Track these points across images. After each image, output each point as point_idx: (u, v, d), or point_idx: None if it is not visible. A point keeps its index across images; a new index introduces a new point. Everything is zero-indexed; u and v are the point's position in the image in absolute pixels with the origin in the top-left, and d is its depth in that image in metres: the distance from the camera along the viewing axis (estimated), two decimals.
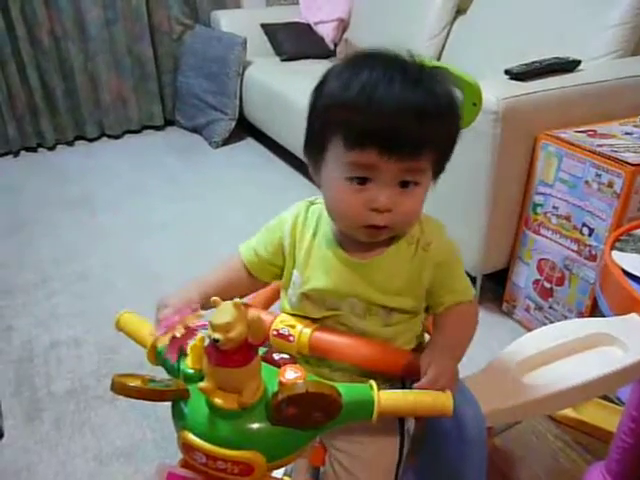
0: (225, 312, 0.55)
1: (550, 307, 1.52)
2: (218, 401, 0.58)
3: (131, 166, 2.82)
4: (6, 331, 1.67)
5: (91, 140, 3.11)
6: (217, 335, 0.54)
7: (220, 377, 0.58)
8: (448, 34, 2.51)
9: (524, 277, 1.58)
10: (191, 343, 0.63)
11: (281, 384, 0.59)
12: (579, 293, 1.43)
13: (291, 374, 0.61)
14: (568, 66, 1.57)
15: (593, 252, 1.37)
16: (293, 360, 0.66)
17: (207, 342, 0.58)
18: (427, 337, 0.87)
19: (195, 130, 3.13)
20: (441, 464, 0.83)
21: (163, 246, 2.09)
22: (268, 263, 0.80)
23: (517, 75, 1.48)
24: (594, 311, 1.40)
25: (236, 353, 0.56)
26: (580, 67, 1.60)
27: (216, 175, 2.68)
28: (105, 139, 3.16)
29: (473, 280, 1.69)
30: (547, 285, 1.52)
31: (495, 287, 1.72)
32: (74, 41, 2.89)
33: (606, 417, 1.26)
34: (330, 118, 0.67)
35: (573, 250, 1.42)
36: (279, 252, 0.79)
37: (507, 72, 1.50)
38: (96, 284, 1.88)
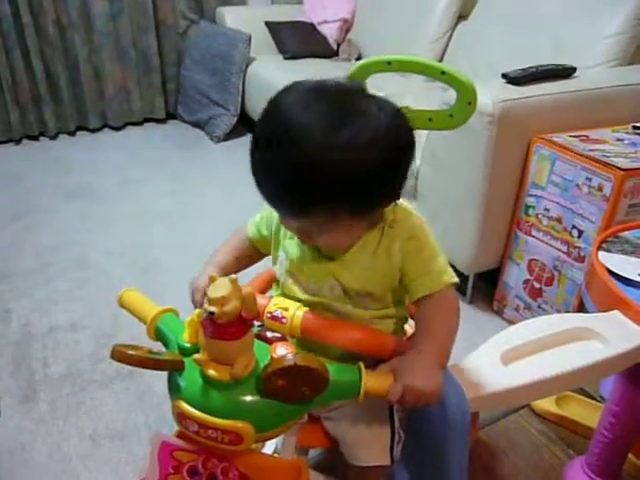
0: (221, 287, 0.58)
1: (539, 307, 1.55)
2: (211, 372, 0.61)
3: (132, 158, 2.85)
4: (5, 314, 1.69)
5: (93, 131, 3.14)
6: (213, 308, 0.58)
7: (214, 349, 0.61)
8: (449, 39, 2.55)
9: (515, 277, 1.62)
10: (188, 318, 0.66)
11: (271, 359, 0.62)
12: (567, 293, 1.46)
13: (282, 350, 0.64)
14: (564, 72, 1.61)
15: (582, 254, 1.40)
16: (285, 339, 0.70)
17: (203, 315, 0.61)
18: (411, 322, 0.90)
19: (197, 125, 3.16)
20: (425, 446, 0.86)
21: (161, 236, 2.12)
22: (264, 239, 0.87)
23: (513, 79, 1.51)
24: (581, 311, 1.43)
25: (230, 326, 0.59)
26: (576, 74, 1.63)
27: (216, 170, 2.71)
28: (107, 130, 3.19)
29: (465, 279, 1.72)
30: (537, 285, 1.55)
31: (486, 286, 1.75)
32: (79, 31, 2.91)
33: (588, 414, 1.30)
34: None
35: (563, 251, 1.45)
36: (271, 234, 0.86)
37: (504, 76, 1.53)
38: (94, 271, 1.91)
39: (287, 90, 0.69)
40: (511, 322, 1.65)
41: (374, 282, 0.78)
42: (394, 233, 0.76)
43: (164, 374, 1.32)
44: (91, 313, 1.69)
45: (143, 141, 3.08)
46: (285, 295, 0.82)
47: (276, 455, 0.82)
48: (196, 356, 0.61)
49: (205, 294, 0.59)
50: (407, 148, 0.70)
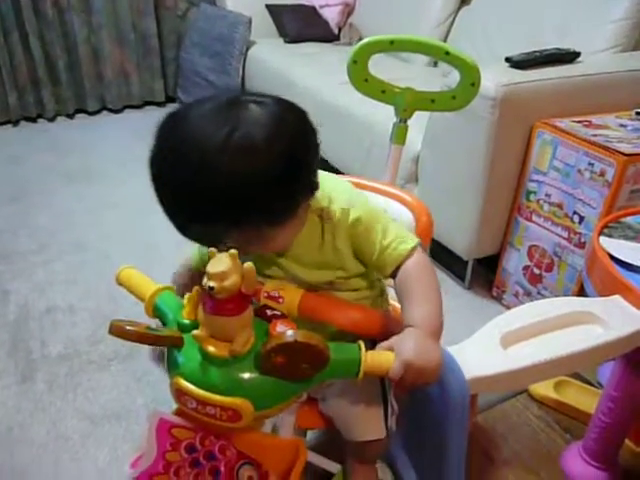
0: (221, 262, 0.57)
1: (538, 293, 1.55)
2: (210, 349, 0.61)
3: (131, 141, 2.82)
4: (2, 295, 1.69)
5: (91, 113, 3.12)
6: (212, 283, 0.57)
7: (214, 325, 0.61)
8: (452, 24, 2.53)
9: (514, 263, 1.61)
10: (187, 295, 0.65)
11: (271, 336, 0.61)
12: (567, 279, 1.46)
13: (282, 327, 0.63)
14: (567, 57, 1.59)
15: (582, 239, 1.40)
16: (285, 317, 0.69)
17: (203, 291, 0.60)
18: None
19: None
20: (424, 428, 0.86)
21: (160, 220, 2.08)
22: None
23: (517, 63, 1.50)
24: (580, 297, 1.43)
25: (230, 302, 0.58)
26: (579, 59, 1.62)
27: None
28: (105, 113, 3.16)
29: (464, 264, 1.72)
30: (536, 271, 1.55)
31: (486, 272, 1.75)
32: (78, 13, 2.88)
33: (587, 400, 1.30)
34: None
35: (563, 237, 1.45)
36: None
37: (507, 60, 1.51)
38: (93, 254, 1.90)
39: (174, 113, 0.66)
40: (510, 308, 1.64)
41: (329, 273, 0.76)
42: (333, 224, 0.72)
43: None
44: (89, 295, 1.69)
45: (142, 124, 3.03)
46: None
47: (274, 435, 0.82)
48: (195, 332, 0.61)
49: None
50: (301, 142, 0.65)
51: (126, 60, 3.08)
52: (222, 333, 0.61)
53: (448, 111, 1.07)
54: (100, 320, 1.59)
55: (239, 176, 0.60)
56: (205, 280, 0.58)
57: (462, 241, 1.64)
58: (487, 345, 0.85)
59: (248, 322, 0.61)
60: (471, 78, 0.99)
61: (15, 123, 2.93)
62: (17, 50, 2.80)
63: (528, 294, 1.58)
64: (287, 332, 0.59)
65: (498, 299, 1.70)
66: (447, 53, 0.98)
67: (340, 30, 3.02)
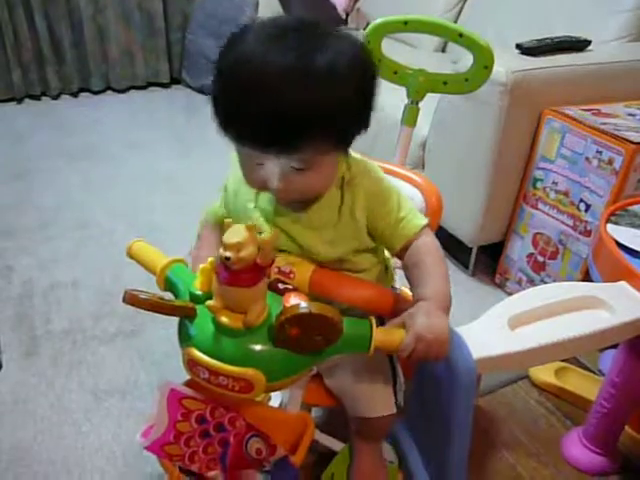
0: (237, 233, 0.58)
1: (542, 280, 1.55)
2: (224, 319, 0.61)
3: (135, 121, 2.82)
4: (6, 270, 1.69)
5: (96, 93, 3.10)
6: (228, 253, 0.57)
7: (228, 296, 0.61)
8: (461, 10, 2.51)
9: (518, 250, 1.62)
10: (201, 266, 0.65)
11: (284, 308, 0.62)
12: (571, 267, 1.47)
13: (295, 300, 0.63)
14: (578, 45, 1.59)
15: (588, 228, 1.40)
16: (297, 290, 0.69)
17: (218, 262, 0.60)
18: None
19: (201, 90, 3.11)
20: (430, 407, 0.87)
21: (165, 199, 2.11)
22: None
23: (528, 50, 1.49)
24: None
25: (245, 273, 0.58)
26: (590, 47, 1.61)
27: (220, 135, 2.68)
28: (110, 93, 3.15)
29: (469, 251, 1.72)
30: (540, 259, 1.55)
31: (489, 259, 1.76)
32: None
33: (587, 386, 1.31)
34: (215, 111, 0.67)
35: (569, 225, 1.45)
36: (230, 213, 0.83)
37: (518, 46, 1.51)
38: (96, 231, 1.90)
39: (246, 28, 0.66)
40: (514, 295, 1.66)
41: (341, 247, 0.76)
42: (355, 191, 0.74)
43: (166, 333, 1.33)
44: (92, 271, 1.69)
45: (147, 105, 3.04)
46: None
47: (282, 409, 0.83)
48: (209, 302, 0.61)
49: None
50: (374, 77, 0.68)
51: (131, 40, 3.06)
52: (236, 304, 0.61)
53: (460, 94, 1.06)
54: (104, 296, 1.59)
55: (317, 97, 0.61)
56: (221, 250, 0.58)
57: (467, 228, 1.64)
58: (495, 326, 0.86)
59: (262, 294, 0.62)
60: (484, 61, 0.99)
61: (19, 100, 2.92)
62: (22, 27, 2.78)
63: (531, 281, 1.59)
64: (301, 304, 0.59)
65: (501, 286, 1.70)
66: (461, 35, 0.98)
67: (348, 15, 3.00)
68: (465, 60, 1.40)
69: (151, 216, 1.98)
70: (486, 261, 1.76)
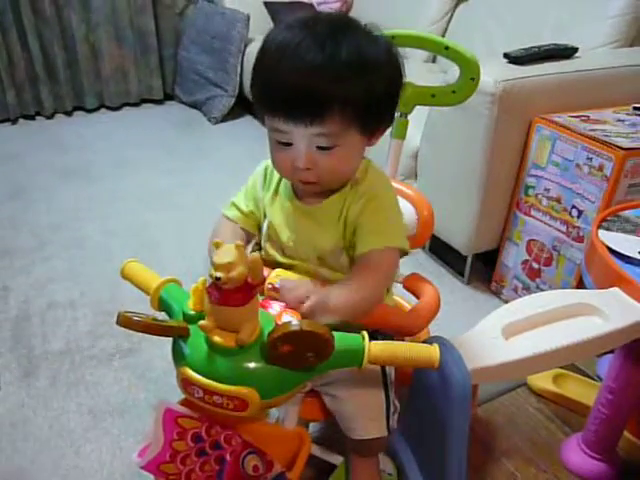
0: (227, 252, 0.58)
1: (537, 287, 1.56)
2: (217, 339, 0.62)
3: (130, 138, 2.83)
4: (2, 291, 1.69)
5: (90, 111, 3.12)
6: (219, 274, 0.57)
7: (220, 316, 0.61)
8: (449, 21, 2.53)
9: (513, 257, 1.62)
10: (193, 286, 0.66)
11: (276, 325, 0.62)
12: (566, 273, 1.47)
13: (287, 317, 0.64)
14: (565, 53, 1.60)
15: (581, 234, 1.41)
16: (289, 308, 0.70)
17: (209, 282, 0.61)
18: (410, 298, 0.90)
19: (194, 105, 3.13)
20: (427, 419, 0.87)
21: (161, 216, 2.11)
22: (249, 216, 0.86)
23: (515, 59, 1.51)
24: None
25: (236, 292, 0.59)
26: (577, 54, 1.62)
27: (214, 150, 2.69)
28: (104, 110, 3.17)
29: (464, 260, 1.73)
30: (535, 265, 1.56)
31: (484, 267, 1.76)
32: (76, 11, 2.88)
33: (585, 392, 1.31)
34: (253, 84, 0.73)
35: (562, 231, 1.46)
36: (257, 205, 0.86)
37: (506, 55, 1.52)
38: (93, 250, 1.91)
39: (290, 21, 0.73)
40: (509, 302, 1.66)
41: (342, 239, 0.78)
42: (358, 190, 0.77)
43: (163, 351, 1.33)
44: (90, 291, 1.69)
45: (140, 121, 3.06)
46: (265, 260, 0.83)
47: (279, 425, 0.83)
48: (202, 322, 0.61)
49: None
50: (401, 75, 0.76)
51: (124, 58, 3.08)
52: (228, 323, 0.61)
53: (448, 106, 1.07)
54: (101, 316, 1.60)
55: (364, 69, 0.68)
56: (211, 271, 0.58)
57: (461, 236, 1.65)
58: (489, 336, 0.86)
59: (254, 312, 0.62)
60: (471, 72, 1.00)
61: (14, 121, 2.93)
62: (15, 48, 2.80)
63: (527, 288, 1.59)
64: (292, 321, 0.60)
65: (497, 294, 1.71)
66: (447, 48, 0.99)
67: None
68: (455, 69, 1.41)
69: (148, 233, 1.99)
70: (481, 269, 1.77)
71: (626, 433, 1.18)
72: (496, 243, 1.68)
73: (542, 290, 1.55)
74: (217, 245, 0.59)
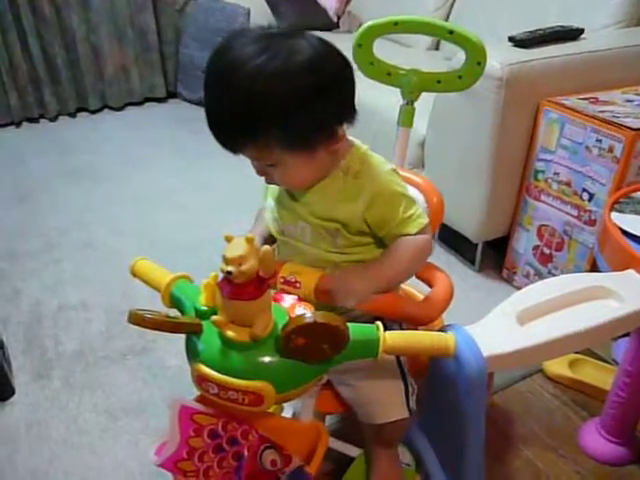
0: (238, 246, 0.57)
1: (549, 272, 1.54)
2: (230, 334, 0.61)
3: (135, 138, 2.82)
4: (14, 294, 1.69)
5: (93, 112, 3.11)
6: (230, 268, 0.57)
7: (233, 310, 0.61)
8: (452, 6, 2.51)
9: (524, 243, 1.61)
10: (204, 281, 0.65)
11: (290, 318, 0.61)
12: (578, 258, 1.46)
13: (301, 310, 0.64)
14: (571, 34, 1.58)
15: (592, 217, 1.39)
16: (302, 300, 0.69)
17: (220, 276, 0.60)
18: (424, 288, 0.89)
19: (199, 103, 3.12)
20: (443, 408, 0.86)
21: (171, 215, 2.11)
22: None
23: (521, 42, 1.49)
24: None
25: (248, 286, 0.58)
26: (583, 36, 1.60)
27: (221, 147, 2.68)
28: (107, 111, 3.16)
29: (474, 247, 1.72)
30: (546, 251, 1.54)
31: (495, 254, 1.75)
32: (76, 11, 2.87)
33: (601, 376, 1.30)
34: None
35: (573, 215, 1.44)
36: None
37: (511, 39, 1.50)
38: (102, 251, 1.91)
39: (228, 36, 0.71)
40: (521, 289, 1.64)
41: (338, 218, 0.77)
42: (360, 184, 0.77)
43: (177, 349, 1.33)
44: (101, 291, 1.70)
45: (145, 121, 3.06)
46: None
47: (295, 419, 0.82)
48: (214, 318, 0.61)
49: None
50: (333, 77, 0.70)
51: (125, 57, 3.07)
52: (241, 318, 0.61)
53: (455, 91, 1.06)
54: (113, 316, 1.60)
55: (263, 96, 0.65)
56: (222, 265, 0.58)
57: (471, 224, 1.63)
58: (504, 323, 0.85)
59: (267, 306, 0.62)
60: (477, 57, 0.98)
61: (17, 124, 2.93)
62: (15, 50, 2.79)
63: (539, 274, 1.58)
64: (306, 314, 0.59)
65: (509, 281, 1.69)
66: (451, 32, 0.98)
67: (339, 18, 3.00)
68: (458, 56, 1.40)
69: (156, 233, 1.99)
70: (492, 256, 1.76)
71: None
72: (506, 230, 1.66)
73: (554, 275, 1.53)
74: (228, 239, 0.59)
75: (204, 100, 0.72)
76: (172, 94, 3.29)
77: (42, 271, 1.80)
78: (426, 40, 2.52)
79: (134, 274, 0.79)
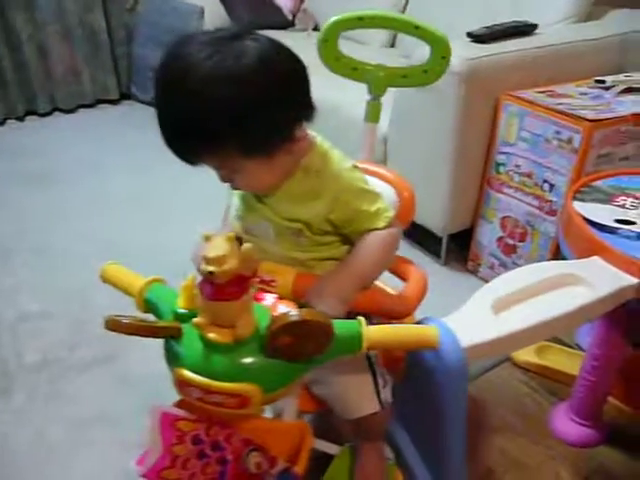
0: (218, 245, 0.56)
1: (513, 263, 1.58)
2: (212, 336, 0.59)
3: (87, 141, 2.74)
4: None
5: (43, 115, 3.00)
6: (212, 268, 0.55)
7: (214, 311, 0.59)
8: (407, 2, 2.53)
9: (488, 235, 1.64)
10: (182, 284, 0.64)
11: (273, 318, 0.60)
12: (540, 248, 1.49)
13: (283, 308, 0.62)
14: (526, 30, 1.62)
15: (554, 207, 1.43)
16: (282, 298, 0.68)
17: (199, 278, 0.59)
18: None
19: (152, 104, 3.03)
20: (422, 401, 0.87)
21: (127, 218, 2.05)
22: None
23: (478, 37, 1.51)
24: None
25: (230, 286, 0.57)
26: (537, 31, 1.64)
27: None
28: (57, 114, 3.04)
29: (439, 241, 1.74)
30: (510, 242, 1.57)
31: (459, 247, 1.77)
32: (20, 10, 2.75)
33: (567, 361, 1.33)
34: None
35: (535, 206, 1.48)
36: None
37: (469, 35, 1.53)
38: (59, 258, 1.84)
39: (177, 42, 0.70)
40: (486, 280, 1.67)
41: (301, 218, 0.77)
42: (321, 183, 0.76)
43: (144, 356, 1.30)
44: (61, 300, 1.63)
45: (98, 123, 2.97)
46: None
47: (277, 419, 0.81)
48: (196, 320, 0.59)
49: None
50: (284, 76, 0.69)
51: (75, 57, 2.97)
52: (223, 319, 0.59)
53: (420, 86, 1.07)
54: (75, 324, 1.54)
55: (214, 101, 0.64)
56: (203, 265, 0.56)
57: (435, 218, 1.65)
58: (479, 313, 0.86)
59: (249, 305, 0.60)
60: (441, 51, 1.00)
61: None
62: None
63: (503, 265, 1.61)
64: (291, 312, 0.58)
65: (474, 272, 1.72)
66: (416, 27, 0.99)
67: (294, 16, 2.99)
68: (417, 53, 1.41)
69: (115, 237, 1.93)
70: (457, 249, 1.78)
71: (611, 399, 1.21)
72: (470, 222, 1.69)
73: (518, 265, 1.56)
74: (207, 238, 0.57)
75: (156, 112, 0.72)
76: (125, 95, 3.21)
77: None
78: (381, 38, 2.54)
79: (104, 280, 0.76)
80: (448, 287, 1.65)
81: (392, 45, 2.58)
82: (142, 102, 3.13)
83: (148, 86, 3.04)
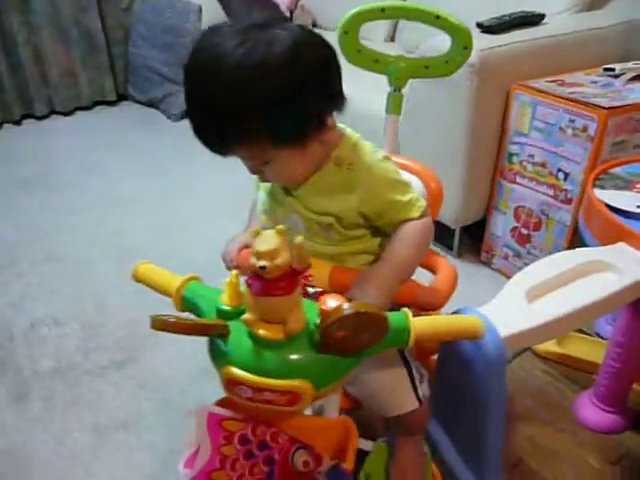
0: (269, 239, 0.55)
1: (528, 253, 1.57)
2: (263, 332, 0.58)
3: (86, 143, 2.71)
4: None
5: (40, 118, 2.97)
6: (263, 262, 0.54)
7: (264, 308, 0.58)
8: None
9: (501, 226, 1.63)
10: (226, 280, 0.62)
11: (323, 312, 0.59)
12: (556, 236, 1.49)
13: (332, 302, 0.61)
14: (534, 19, 1.62)
15: (569, 195, 1.43)
16: (327, 292, 0.67)
17: (249, 273, 0.57)
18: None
19: (151, 104, 3.03)
20: (460, 393, 0.86)
21: (134, 220, 2.03)
22: None
23: (488, 28, 1.51)
24: None
25: (281, 280, 0.56)
26: (544, 21, 1.64)
27: (179, 148, 2.60)
28: (55, 117, 3.02)
29: (452, 233, 1.73)
30: (524, 231, 1.57)
31: (473, 239, 1.77)
32: (15, 13, 2.72)
33: (589, 350, 1.33)
34: None
35: (549, 195, 1.47)
36: None
37: (479, 25, 1.52)
38: (67, 262, 1.81)
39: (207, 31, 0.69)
40: (500, 271, 1.68)
41: (332, 212, 0.76)
42: (354, 175, 0.75)
43: (162, 358, 1.28)
44: (72, 304, 1.61)
45: (96, 125, 2.94)
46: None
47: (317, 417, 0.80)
48: (245, 316, 0.58)
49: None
50: (316, 65, 0.67)
51: (71, 59, 2.94)
52: (274, 315, 0.58)
53: (442, 76, 1.06)
54: (89, 329, 1.52)
55: (246, 90, 0.63)
56: (253, 260, 0.55)
57: (448, 210, 1.64)
58: (514, 302, 0.86)
59: (300, 300, 0.59)
60: (463, 41, 0.99)
61: None
62: None
63: (518, 255, 1.61)
64: (343, 305, 0.57)
65: (487, 264, 1.72)
66: (437, 17, 0.97)
67: (292, 13, 2.97)
68: (422, 46, 1.41)
69: (122, 240, 1.91)
70: (469, 241, 1.78)
71: (635, 385, 1.21)
72: (482, 214, 1.68)
73: (533, 255, 1.56)
74: (257, 233, 0.56)
75: (186, 102, 0.69)
76: (123, 96, 3.18)
77: (7, 287, 1.70)
78: (383, 32, 2.53)
79: (137, 279, 0.75)
80: (462, 279, 1.63)
81: (392, 39, 2.57)
82: (139, 103, 3.11)
83: (145, 86, 3.02)
